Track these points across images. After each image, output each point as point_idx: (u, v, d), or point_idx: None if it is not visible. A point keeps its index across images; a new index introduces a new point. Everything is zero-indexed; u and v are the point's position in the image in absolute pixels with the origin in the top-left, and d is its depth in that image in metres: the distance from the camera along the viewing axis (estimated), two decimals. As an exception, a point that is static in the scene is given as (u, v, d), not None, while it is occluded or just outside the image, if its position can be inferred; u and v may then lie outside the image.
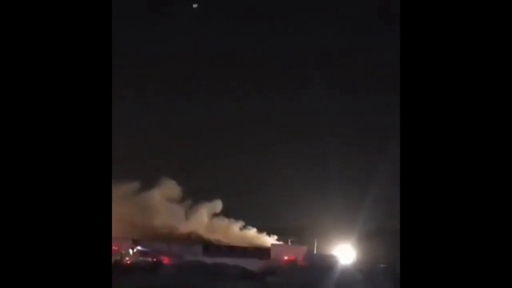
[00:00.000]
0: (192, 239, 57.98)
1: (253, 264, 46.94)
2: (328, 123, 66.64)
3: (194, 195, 61.35)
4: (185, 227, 60.30)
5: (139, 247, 50.51)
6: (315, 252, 56.35)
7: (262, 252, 54.63)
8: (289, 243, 57.41)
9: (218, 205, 62.02)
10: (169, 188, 61.15)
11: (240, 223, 61.57)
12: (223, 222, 61.09)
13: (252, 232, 61.36)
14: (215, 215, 61.89)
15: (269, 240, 59.75)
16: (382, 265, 49.22)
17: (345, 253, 55.26)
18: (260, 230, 61.51)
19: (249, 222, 61.80)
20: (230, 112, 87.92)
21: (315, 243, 56.77)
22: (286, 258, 53.03)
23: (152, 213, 58.26)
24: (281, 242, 58.70)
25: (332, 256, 54.19)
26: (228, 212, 61.03)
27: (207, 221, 61.61)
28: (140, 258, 48.70)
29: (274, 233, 60.32)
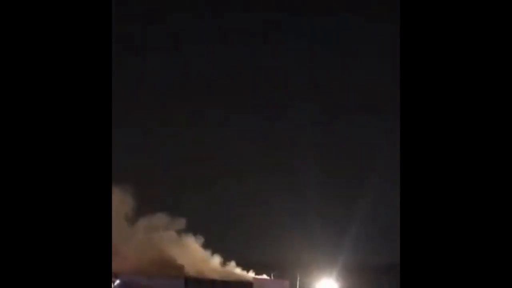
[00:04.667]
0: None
1: (236, 299, 46.36)
2: (309, 155, 67.14)
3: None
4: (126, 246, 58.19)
5: (119, 281, 49.64)
6: (297, 286, 55.93)
7: (244, 286, 54.08)
8: (272, 277, 56.96)
9: (180, 222, 60.60)
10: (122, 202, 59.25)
11: (220, 258, 60.75)
12: (202, 254, 60.13)
13: (233, 265, 60.73)
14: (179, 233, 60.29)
15: (251, 274, 59.19)
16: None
17: (328, 287, 54.93)
18: (242, 264, 60.96)
19: (231, 256, 61.23)
20: (208, 142, 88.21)
21: (298, 277, 56.42)
22: (268, 292, 52.53)
23: None
24: (263, 276, 58.18)
25: (315, 291, 53.85)
26: (208, 246, 60.33)
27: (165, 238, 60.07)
28: (120, 292, 47.84)
29: (256, 267, 59.84)
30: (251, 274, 58.98)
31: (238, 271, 59.65)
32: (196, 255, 59.43)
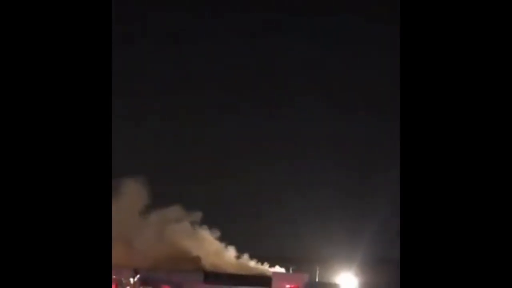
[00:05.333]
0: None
1: (255, 293, 46.47)
2: (328, 148, 67.07)
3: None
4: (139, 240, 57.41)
5: (139, 276, 50.19)
6: (317, 280, 55.83)
7: (263, 280, 54.13)
8: (291, 271, 56.94)
9: (195, 215, 60.21)
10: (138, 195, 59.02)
11: (236, 251, 60.74)
12: (217, 247, 60.04)
13: (247, 258, 60.77)
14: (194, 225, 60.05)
15: (266, 267, 59.28)
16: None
17: (347, 281, 54.75)
18: (261, 258, 61.00)
19: (249, 250, 61.31)
20: (228, 134, 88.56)
21: (317, 271, 56.28)
22: (288, 286, 52.53)
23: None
24: (282, 270, 58.20)
25: (334, 285, 53.66)
26: (225, 239, 60.45)
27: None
28: (141, 287, 48.40)
29: (275, 261, 59.86)
30: (265, 267, 59.02)
31: (253, 264, 59.62)
32: (211, 248, 59.50)
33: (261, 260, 60.05)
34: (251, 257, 60.29)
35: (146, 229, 57.78)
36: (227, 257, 59.92)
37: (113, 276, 51.59)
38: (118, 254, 54.32)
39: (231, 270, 57.02)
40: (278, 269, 58.88)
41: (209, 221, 60.43)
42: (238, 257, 60.27)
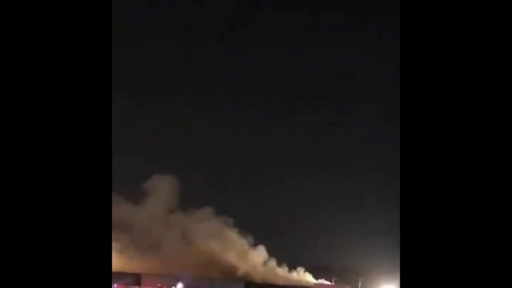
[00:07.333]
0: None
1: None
2: (371, 159, 66.02)
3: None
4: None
5: (181, 284, 51.05)
6: (359, 292, 55.05)
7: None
8: (333, 283, 56.44)
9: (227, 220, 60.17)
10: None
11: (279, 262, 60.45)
12: (255, 255, 59.69)
13: (294, 270, 60.52)
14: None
15: (313, 279, 58.93)
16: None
17: (390, 294, 53.67)
18: (304, 269, 60.69)
19: (292, 261, 61.04)
20: (268, 148, 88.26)
21: (359, 283, 55.54)
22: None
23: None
24: (324, 282, 57.76)
25: (377, 297, 52.85)
26: (270, 251, 60.34)
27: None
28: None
29: (317, 272, 59.44)
30: (293, 274, 58.46)
31: (281, 271, 58.95)
32: (244, 254, 59.28)
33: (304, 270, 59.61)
34: (293, 267, 59.96)
35: (177, 232, 58.21)
36: (265, 265, 59.77)
37: (158, 285, 52.80)
38: (148, 258, 55.40)
39: (262, 275, 56.90)
40: (302, 274, 58.42)
41: (244, 227, 60.32)
42: (266, 263, 59.66)
